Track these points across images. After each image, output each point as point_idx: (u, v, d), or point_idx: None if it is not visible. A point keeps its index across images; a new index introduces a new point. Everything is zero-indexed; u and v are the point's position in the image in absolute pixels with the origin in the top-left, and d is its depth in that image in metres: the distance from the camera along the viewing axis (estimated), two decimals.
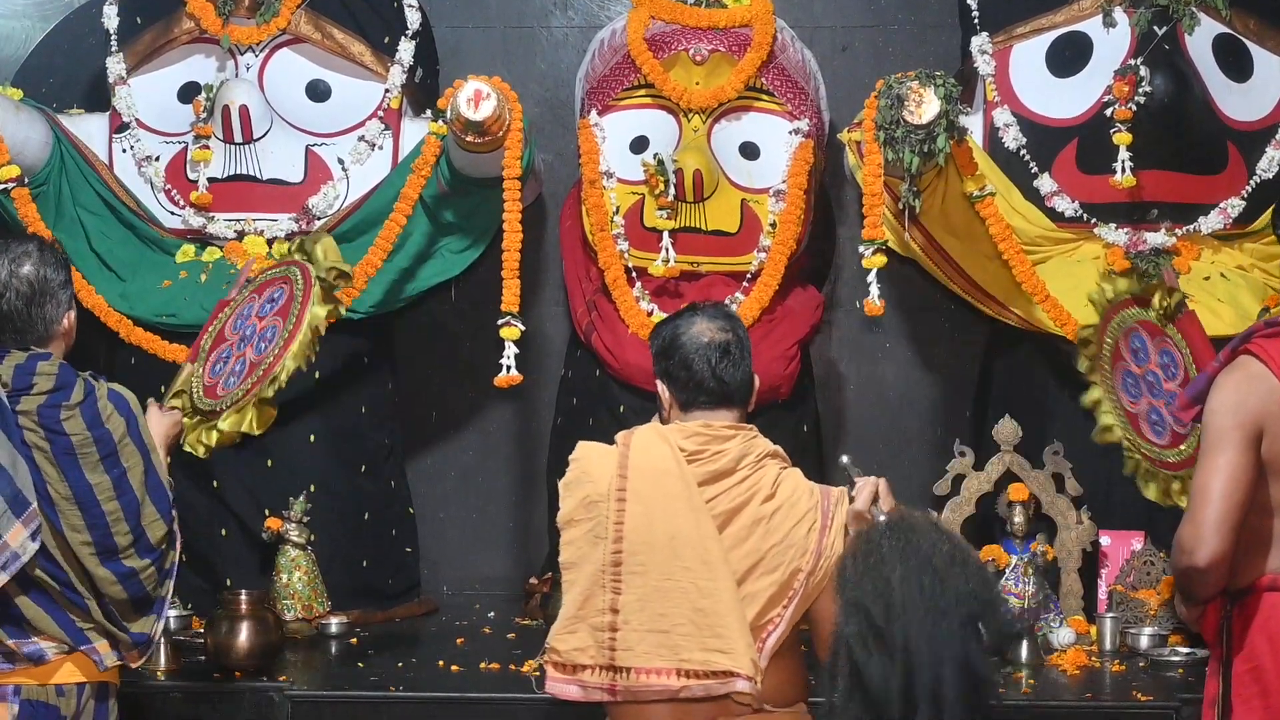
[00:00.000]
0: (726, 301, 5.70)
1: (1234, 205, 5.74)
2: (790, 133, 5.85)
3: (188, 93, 5.92)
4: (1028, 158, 5.79)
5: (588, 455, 3.49)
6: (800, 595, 3.39)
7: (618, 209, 5.83)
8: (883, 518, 3.07)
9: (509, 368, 5.48)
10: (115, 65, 5.96)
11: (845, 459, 3.57)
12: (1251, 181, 5.75)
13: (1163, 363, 4.80)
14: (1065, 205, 5.77)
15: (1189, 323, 4.82)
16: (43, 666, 3.85)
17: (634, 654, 3.36)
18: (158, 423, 4.20)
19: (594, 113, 5.92)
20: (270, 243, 5.85)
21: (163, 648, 4.89)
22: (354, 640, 5.51)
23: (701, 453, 3.43)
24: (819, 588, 3.37)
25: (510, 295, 5.47)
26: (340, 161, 5.94)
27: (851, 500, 3.41)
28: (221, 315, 4.80)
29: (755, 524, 3.40)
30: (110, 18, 5.99)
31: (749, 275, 5.82)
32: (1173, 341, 4.79)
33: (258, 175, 5.88)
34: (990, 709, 2.79)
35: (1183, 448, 4.68)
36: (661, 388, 3.56)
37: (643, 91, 5.88)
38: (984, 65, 5.87)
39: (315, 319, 4.53)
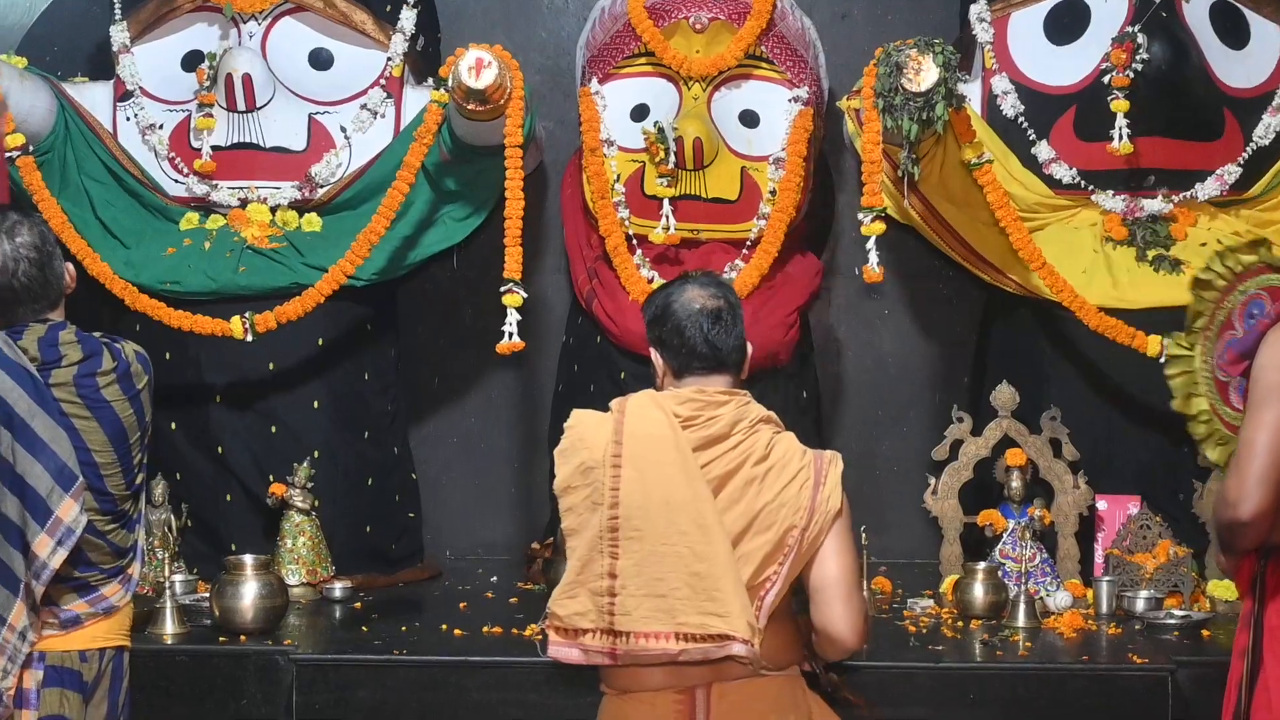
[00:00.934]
0: (726, 269, 5.74)
1: (1231, 172, 5.75)
2: (790, 100, 5.86)
3: (191, 61, 5.93)
4: (1026, 125, 5.80)
5: (582, 422, 3.51)
6: (795, 552, 3.41)
7: (618, 177, 5.85)
8: None
9: (511, 335, 5.50)
10: (119, 33, 5.97)
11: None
12: (1248, 148, 5.77)
13: None
14: (1063, 172, 5.79)
15: None
16: (68, 634, 3.88)
17: (632, 618, 3.38)
18: None
19: (595, 81, 5.93)
20: (273, 210, 5.88)
21: (168, 612, 4.94)
22: (358, 605, 5.55)
23: (695, 418, 3.45)
24: (814, 544, 3.40)
25: (513, 263, 5.48)
26: (343, 129, 5.95)
27: None
28: None
29: (748, 485, 3.42)
30: None
31: (749, 243, 5.84)
32: None
33: (261, 143, 5.89)
34: None
35: None
36: (655, 355, 3.58)
37: (643, 60, 5.90)
38: (982, 33, 5.88)
39: None
